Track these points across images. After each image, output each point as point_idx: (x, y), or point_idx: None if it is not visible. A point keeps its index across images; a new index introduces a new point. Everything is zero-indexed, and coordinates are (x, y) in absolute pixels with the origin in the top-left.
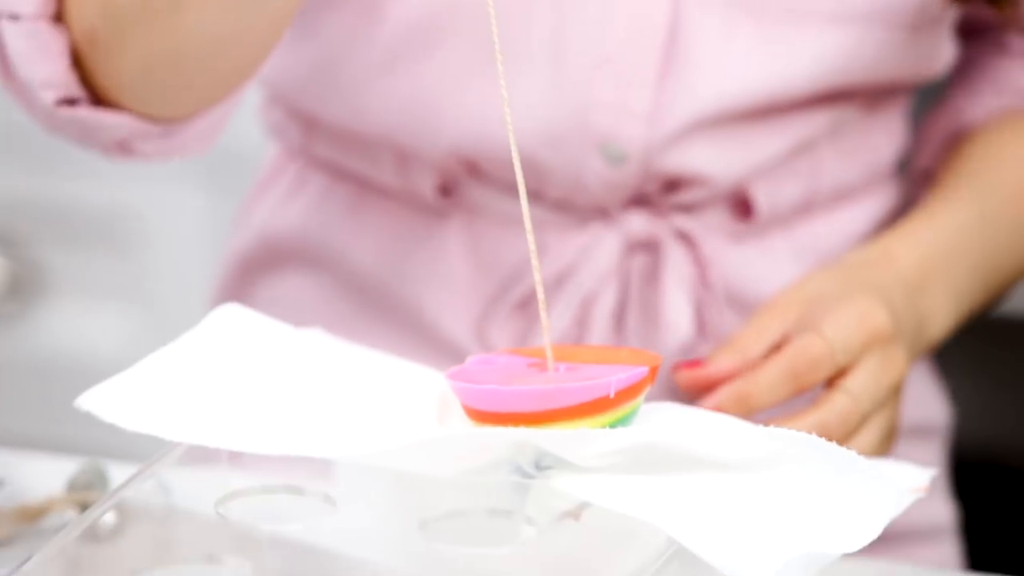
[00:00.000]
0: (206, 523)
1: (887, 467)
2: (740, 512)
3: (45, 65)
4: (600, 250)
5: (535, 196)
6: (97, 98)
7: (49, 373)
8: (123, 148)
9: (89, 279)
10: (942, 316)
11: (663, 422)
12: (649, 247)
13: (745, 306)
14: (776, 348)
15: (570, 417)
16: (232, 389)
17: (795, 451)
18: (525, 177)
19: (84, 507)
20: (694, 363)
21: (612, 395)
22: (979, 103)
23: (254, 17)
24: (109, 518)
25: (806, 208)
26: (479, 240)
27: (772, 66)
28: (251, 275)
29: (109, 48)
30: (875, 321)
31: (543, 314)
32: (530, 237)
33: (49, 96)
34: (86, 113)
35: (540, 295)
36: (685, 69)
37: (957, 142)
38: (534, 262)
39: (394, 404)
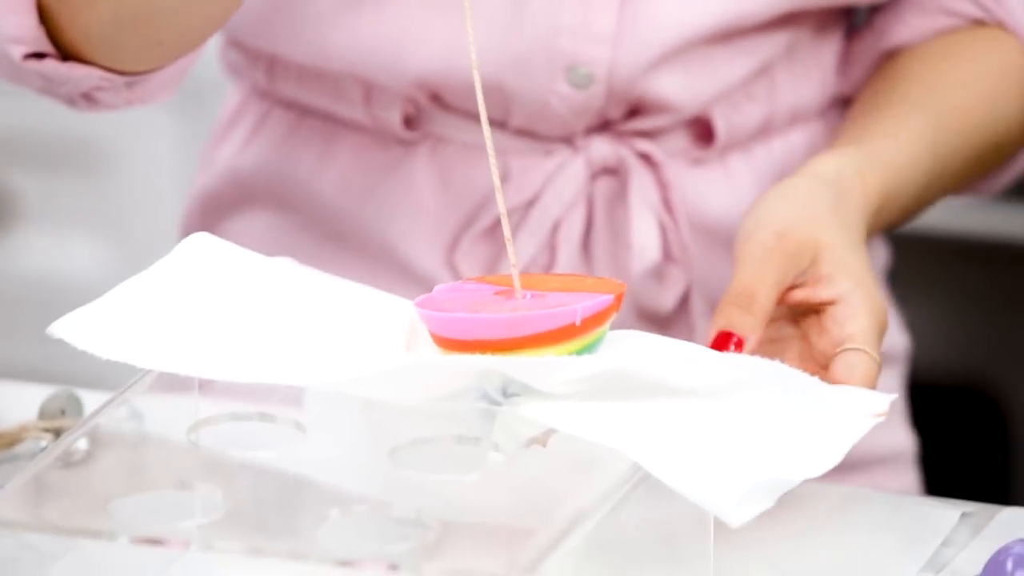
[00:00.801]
0: (178, 450)
1: (847, 392)
2: (704, 439)
3: (13, 19)
4: (565, 176)
5: (499, 124)
6: (64, 53)
7: (21, 300)
8: (87, 99)
9: (61, 206)
10: (883, 225)
11: (629, 350)
12: (613, 172)
13: (706, 230)
14: (786, 294)
15: (536, 345)
16: (203, 317)
17: (758, 378)
18: (490, 105)
19: (57, 434)
20: (725, 341)
21: (578, 323)
22: (905, 24)
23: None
24: (81, 445)
25: (764, 131)
26: (446, 169)
27: None
28: (217, 214)
29: (78, 3)
30: (884, 316)
31: (509, 243)
32: (493, 166)
33: (17, 51)
34: (53, 67)
35: (505, 224)
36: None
37: (887, 63)
38: (498, 195)
39: (363, 332)
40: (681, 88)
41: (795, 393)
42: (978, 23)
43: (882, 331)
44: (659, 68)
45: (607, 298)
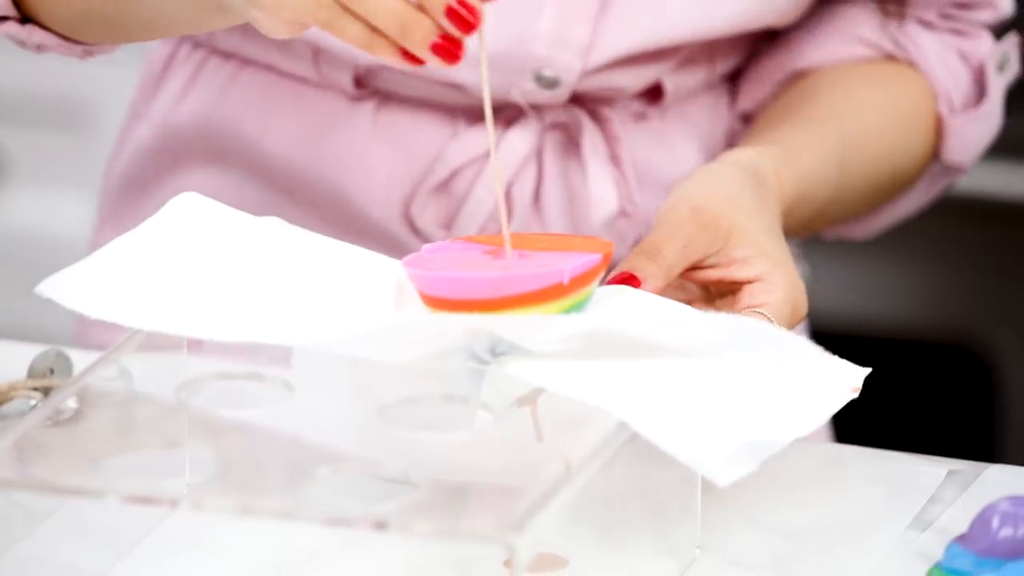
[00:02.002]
0: (166, 409)
1: (829, 360)
2: (692, 399)
3: None
4: (518, 132)
5: (454, 86)
6: (24, 13)
7: (10, 259)
8: (42, 49)
9: (50, 164)
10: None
11: (617, 308)
12: (563, 127)
13: (651, 183)
14: (698, 270)
15: (525, 304)
16: (191, 276)
17: (747, 338)
18: (448, 87)
19: (46, 393)
20: (623, 280)
21: (566, 282)
22: (821, 47)
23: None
24: (70, 403)
25: (702, 90)
26: (395, 124)
27: (700, 11)
28: (156, 170)
29: (53, 2)
30: (801, 301)
31: (501, 203)
32: (493, 158)
33: None
34: (14, 30)
35: (500, 193)
36: (622, 8)
37: (798, 81)
38: (496, 178)
39: (351, 291)
40: (634, 79)
41: (783, 352)
42: (890, 58)
43: (796, 314)
44: (618, 68)
45: (595, 257)
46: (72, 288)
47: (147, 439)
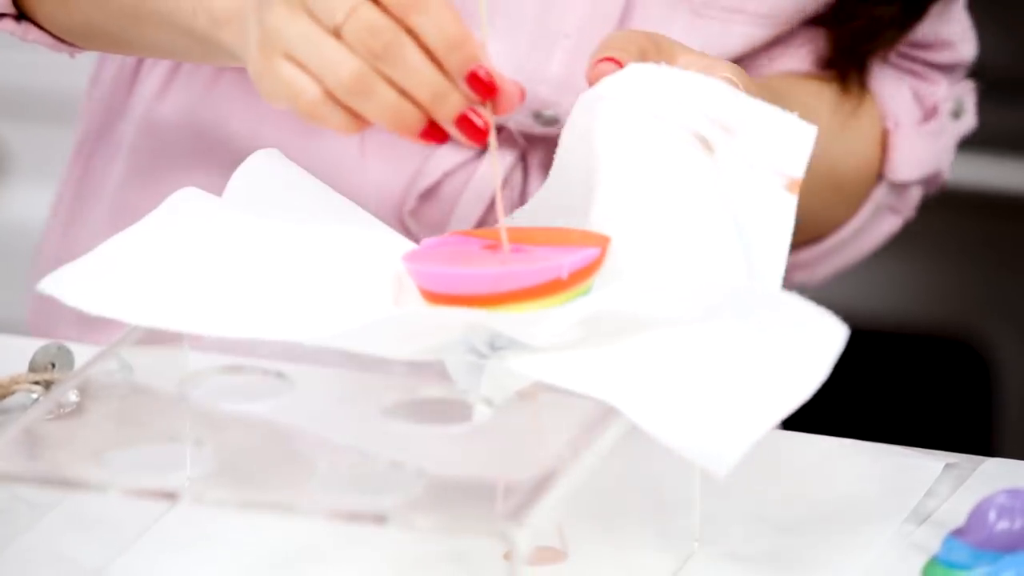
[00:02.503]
0: (168, 402)
1: (811, 310)
2: (689, 386)
3: None
4: (504, 136)
5: None
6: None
7: (11, 253)
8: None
9: (51, 159)
10: None
11: (611, 292)
12: (548, 138)
13: None
14: None
15: (523, 299)
16: (192, 271)
17: (737, 300)
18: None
19: (48, 386)
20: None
21: (565, 277)
22: (776, 64)
23: (199, 49)
24: (72, 397)
25: None
26: (382, 128)
27: (706, 41)
28: (140, 171)
29: (55, 8)
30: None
31: (499, 198)
32: (495, 167)
33: None
34: (11, 27)
35: (497, 185)
36: None
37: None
38: (496, 178)
39: (350, 286)
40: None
41: (775, 313)
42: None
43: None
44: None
45: (593, 252)
46: (73, 284)
47: (148, 433)
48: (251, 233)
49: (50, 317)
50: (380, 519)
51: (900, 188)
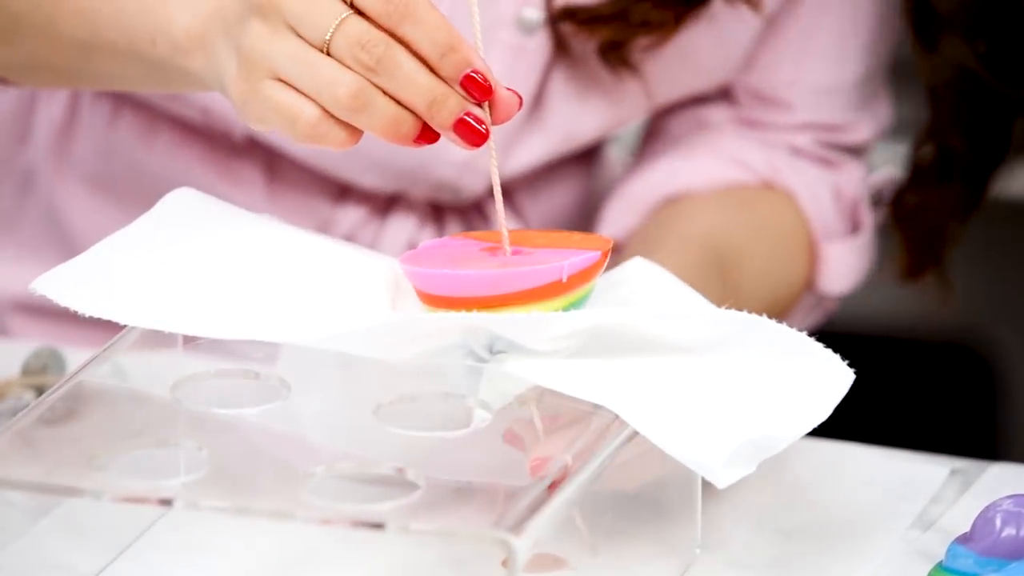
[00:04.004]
0: (161, 407)
1: (823, 355)
2: (692, 398)
3: None
4: (398, 222)
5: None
6: None
7: None
8: None
9: None
10: None
11: (617, 304)
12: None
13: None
14: None
15: (523, 301)
16: (187, 273)
17: (746, 333)
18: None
19: (40, 390)
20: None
21: (565, 280)
22: (696, 168)
23: (157, 77)
24: (64, 402)
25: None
26: (284, 182)
27: (610, 114)
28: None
29: None
30: None
31: (497, 194)
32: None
33: None
34: None
35: (496, 184)
36: (533, 134)
37: (667, 207)
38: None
39: (348, 288)
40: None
41: (783, 348)
42: (765, 184)
43: None
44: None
45: (594, 254)
46: (66, 285)
47: (141, 438)
48: (247, 234)
49: (13, 320)
50: (377, 526)
51: (824, 295)
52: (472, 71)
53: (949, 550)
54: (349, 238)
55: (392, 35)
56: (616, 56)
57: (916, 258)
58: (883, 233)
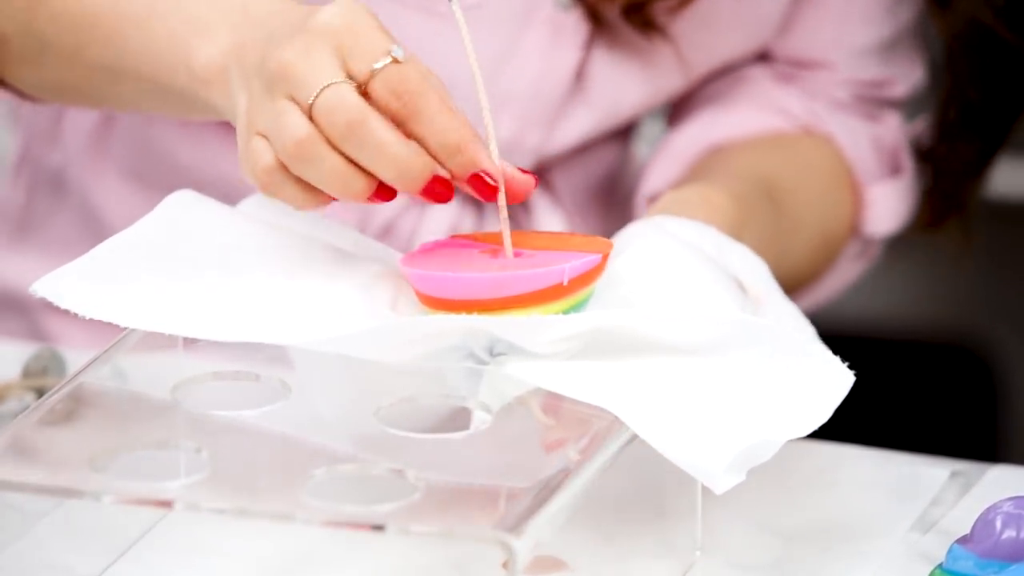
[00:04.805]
0: (162, 409)
1: (824, 357)
2: (691, 401)
3: None
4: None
5: None
6: None
7: None
8: None
9: None
10: None
11: (617, 306)
12: None
13: (582, 209)
14: None
15: (524, 304)
16: (187, 275)
17: (743, 336)
18: None
19: (40, 392)
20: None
21: (566, 283)
22: (737, 117)
23: (179, 105)
24: (65, 404)
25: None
26: None
27: (653, 85)
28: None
29: (24, 58)
30: None
31: (501, 195)
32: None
33: None
34: None
35: (501, 190)
36: (578, 109)
37: (711, 156)
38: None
39: (348, 290)
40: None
41: (782, 351)
42: (806, 130)
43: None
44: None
45: (595, 257)
46: (66, 287)
47: (142, 439)
48: (248, 236)
49: None
50: (378, 527)
51: (869, 239)
52: (480, 173)
53: (949, 552)
54: (389, 226)
55: (404, 131)
56: (640, 18)
57: (939, 207)
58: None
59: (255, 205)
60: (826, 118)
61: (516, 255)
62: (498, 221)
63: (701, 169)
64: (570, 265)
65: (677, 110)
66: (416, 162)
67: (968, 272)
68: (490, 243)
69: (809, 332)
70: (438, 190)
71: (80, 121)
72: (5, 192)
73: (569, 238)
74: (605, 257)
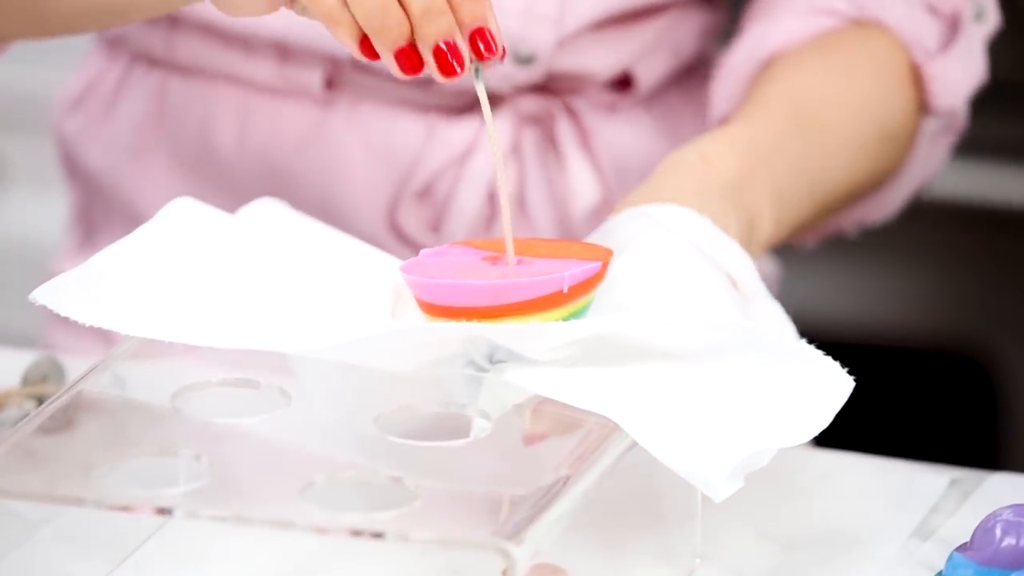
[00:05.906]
0: (161, 416)
1: (822, 363)
2: (691, 408)
3: None
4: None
5: (424, 84)
6: None
7: (4, 264)
8: None
9: (45, 169)
10: (767, 215)
11: (616, 313)
12: (538, 121)
13: (626, 175)
14: None
15: (523, 312)
16: (187, 282)
17: (742, 342)
18: (418, 83)
19: (40, 400)
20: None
21: (566, 290)
22: (780, 28)
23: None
24: (64, 411)
25: (669, 82)
26: (369, 127)
27: None
28: (124, 188)
29: None
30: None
31: (505, 208)
32: (496, 149)
33: None
34: None
35: (504, 193)
36: None
37: (763, 73)
38: (500, 173)
39: (348, 297)
40: (603, 57)
41: (779, 359)
42: (854, 22)
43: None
44: (586, 41)
45: (595, 265)
46: (66, 295)
47: (141, 447)
48: (248, 244)
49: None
50: (377, 534)
51: (946, 112)
52: (483, 27)
53: (949, 560)
54: (427, 188)
55: None
56: None
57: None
58: None
59: (254, 213)
60: (872, 4)
61: (516, 262)
62: (531, 184)
63: (754, 88)
64: (570, 273)
65: (740, 21)
66: (392, 15)
67: (968, 280)
68: (490, 250)
69: (790, 331)
70: (444, 58)
71: (126, 121)
72: (75, 196)
73: (569, 245)
74: (605, 265)
